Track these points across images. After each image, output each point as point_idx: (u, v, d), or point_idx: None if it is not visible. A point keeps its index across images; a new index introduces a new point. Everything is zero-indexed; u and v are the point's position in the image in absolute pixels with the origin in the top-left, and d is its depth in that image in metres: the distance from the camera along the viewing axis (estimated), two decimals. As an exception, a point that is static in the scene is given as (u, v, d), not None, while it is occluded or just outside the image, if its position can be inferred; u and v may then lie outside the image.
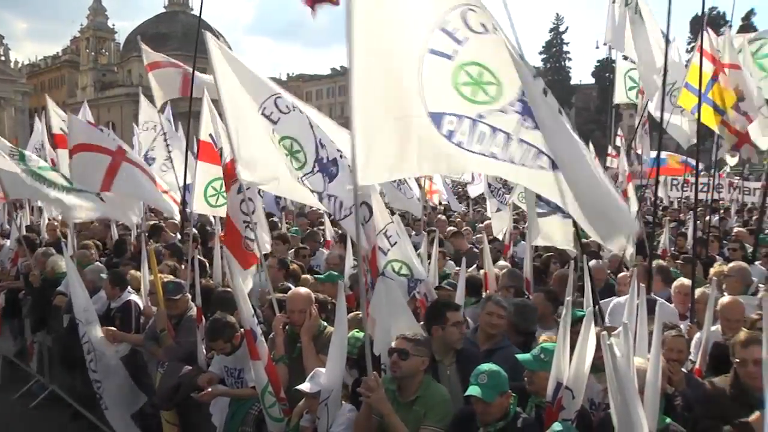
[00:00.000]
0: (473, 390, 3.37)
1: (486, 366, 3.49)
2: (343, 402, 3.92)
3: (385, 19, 3.36)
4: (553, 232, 6.32)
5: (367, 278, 5.12)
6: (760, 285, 6.34)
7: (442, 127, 3.42)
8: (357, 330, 4.55)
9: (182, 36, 68.73)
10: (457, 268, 6.41)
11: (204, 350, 5.34)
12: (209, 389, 4.82)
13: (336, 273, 6.28)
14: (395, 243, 4.99)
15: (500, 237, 9.86)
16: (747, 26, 48.90)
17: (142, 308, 6.42)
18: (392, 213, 5.49)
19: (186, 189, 8.63)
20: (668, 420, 3.39)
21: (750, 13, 55.98)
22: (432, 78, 3.42)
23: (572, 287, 4.27)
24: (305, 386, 3.90)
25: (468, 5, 3.46)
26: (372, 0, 3.34)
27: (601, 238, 3.44)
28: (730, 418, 3.57)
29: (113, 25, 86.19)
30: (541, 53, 73.93)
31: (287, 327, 4.80)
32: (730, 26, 10.62)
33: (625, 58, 10.75)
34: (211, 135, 6.70)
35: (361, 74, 3.32)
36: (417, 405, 3.66)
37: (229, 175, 5.77)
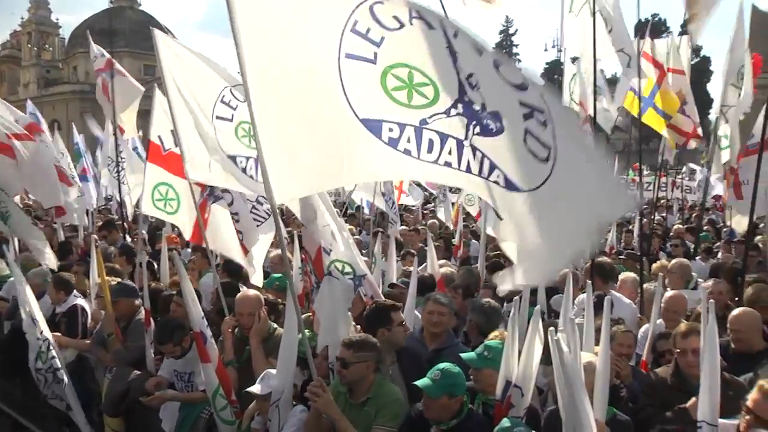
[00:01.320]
0: (421, 381, 3.41)
1: (447, 364, 3.51)
2: (294, 403, 3.90)
3: (278, 27, 3.02)
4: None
5: (311, 279, 5.12)
6: (699, 279, 6.60)
7: (382, 134, 3.12)
8: (308, 330, 4.54)
9: (130, 33, 67.01)
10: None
11: (153, 354, 5.23)
12: (158, 393, 4.72)
13: (278, 276, 6.25)
14: (336, 242, 4.96)
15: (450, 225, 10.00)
16: (686, 32, 51.29)
17: (89, 312, 6.23)
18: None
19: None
20: (614, 411, 3.50)
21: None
22: (356, 84, 3.09)
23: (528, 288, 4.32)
24: (255, 388, 3.86)
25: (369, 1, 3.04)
26: (258, 10, 3.01)
27: (524, 275, 3.13)
28: (670, 406, 3.75)
29: (57, 19, 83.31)
30: (491, 54, 74.90)
31: (236, 330, 4.74)
32: (670, 32, 11.03)
33: (573, 61, 11.00)
34: (159, 137, 6.54)
35: (259, 92, 3.03)
36: (368, 406, 3.66)
37: None
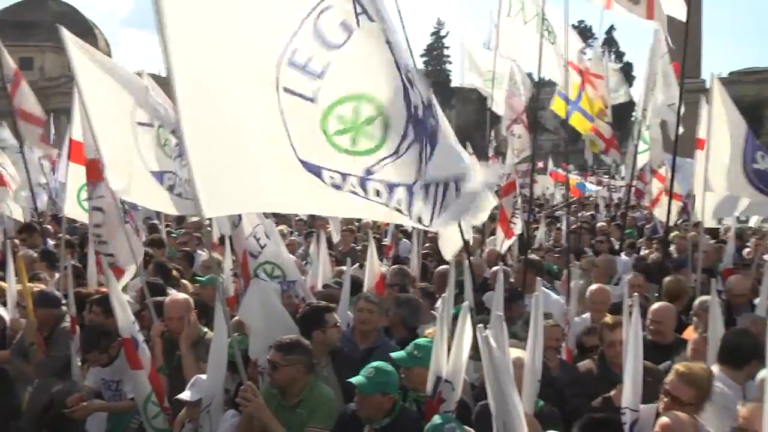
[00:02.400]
0: (355, 379, 3.44)
1: (380, 363, 3.54)
2: (225, 408, 3.83)
3: (211, 38, 2.81)
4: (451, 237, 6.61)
5: (239, 283, 5.05)
6: (623, 276, 6.92)
7: (324, 178, 2.96)
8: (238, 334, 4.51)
9: (51, 25, 64.02)
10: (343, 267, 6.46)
11: (79, 363, 5.02)
12: (84, 404, 4.53)
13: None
14: (265, 245, 4.91)
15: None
16: (609, 39, 53.98)
17: (8, 321, 5.91)
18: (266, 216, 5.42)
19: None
20: (542, 403, 3.62)
21: (611, 28, 61.74)
22: (297, 122, 2.90)
23: (453, 283, 4.42)
24: (185, 395, 3.78)
25: (320, 6, 2.79)
26: (189, 20, 2.79)
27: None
28: (597, 395, 3.94)
29: (-35, 8, 78.03)
30: (422, 56, 76.37)
31: (166, 335, 4.62)
32: (596, 38, 11.57)
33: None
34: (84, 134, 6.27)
35: (189, 106, 2.86)
36: (300, 408, 3.65)
37: (91, 176, 5.44)
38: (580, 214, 12.93)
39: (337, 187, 2.96)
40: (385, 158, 2.91)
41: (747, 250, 9.49)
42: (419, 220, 2.99)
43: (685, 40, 7.59)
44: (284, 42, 2.83)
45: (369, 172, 2.91)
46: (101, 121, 4.70)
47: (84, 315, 5.15)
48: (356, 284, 5.72)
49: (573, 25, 9.76)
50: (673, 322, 4.87)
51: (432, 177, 2.95)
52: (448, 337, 3.53)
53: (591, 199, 19.89)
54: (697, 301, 5.29)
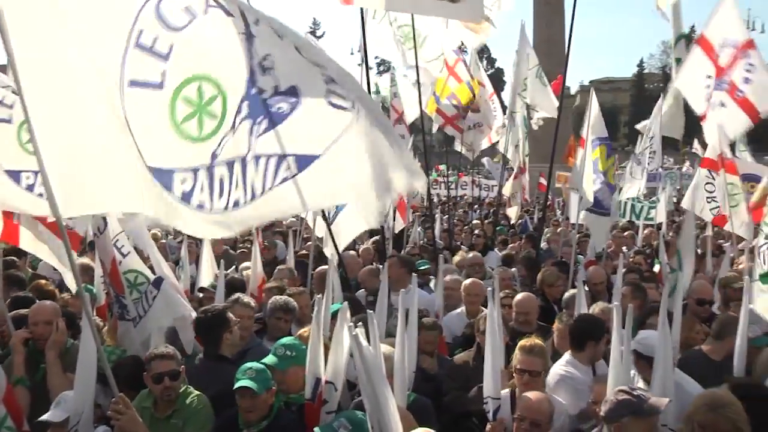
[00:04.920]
0: (246, 382, 3.39)
1: (250, 363, 3.54)
2: (95, 425, 3.63)
3: (54, 33, 2.72)
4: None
5: (110, 292, 4.82)
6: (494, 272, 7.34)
7: (174, 187, 2.95)
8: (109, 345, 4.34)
9: None
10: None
11: None
12: None
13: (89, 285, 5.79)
14: (128, 253, 4.74)
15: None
16: (485, 47, 57.28)
17: None
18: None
19: None
20: (414, 396, 3.76)
21: (488, 36, 65.20)
22: (142, 122, 2.86)
23: (331, 284, 4.48)
24: (50, 415, 3.51)
25: None
26: (31, 17, 2.69)
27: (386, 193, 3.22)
28: (472, 385, 4.15)
29: None
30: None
31: (30, 344, 4.27)
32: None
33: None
34: None
35: (37, 106, 2.73)
36: (175, 418, 3.58)
37: None
38: (453, 212, 13.51)
39: (188, 196, 2.98)
40: (224, 136, 3.02)
41: (608, 242, 10.37)
42: (252, 192, 3.08)
43: (567, 53, 8.35)
44: (129, 24, 2.80)
45: (214, 156, 2.99)
46: None
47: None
48: (235, 287, 5.65)
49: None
50: (536, 311, 5.23)
51: (262, 151, 3.08)
52: (325, 337, 3.58)
53: (467, 198, 20.83)
54: (567, 294, 5.73)
